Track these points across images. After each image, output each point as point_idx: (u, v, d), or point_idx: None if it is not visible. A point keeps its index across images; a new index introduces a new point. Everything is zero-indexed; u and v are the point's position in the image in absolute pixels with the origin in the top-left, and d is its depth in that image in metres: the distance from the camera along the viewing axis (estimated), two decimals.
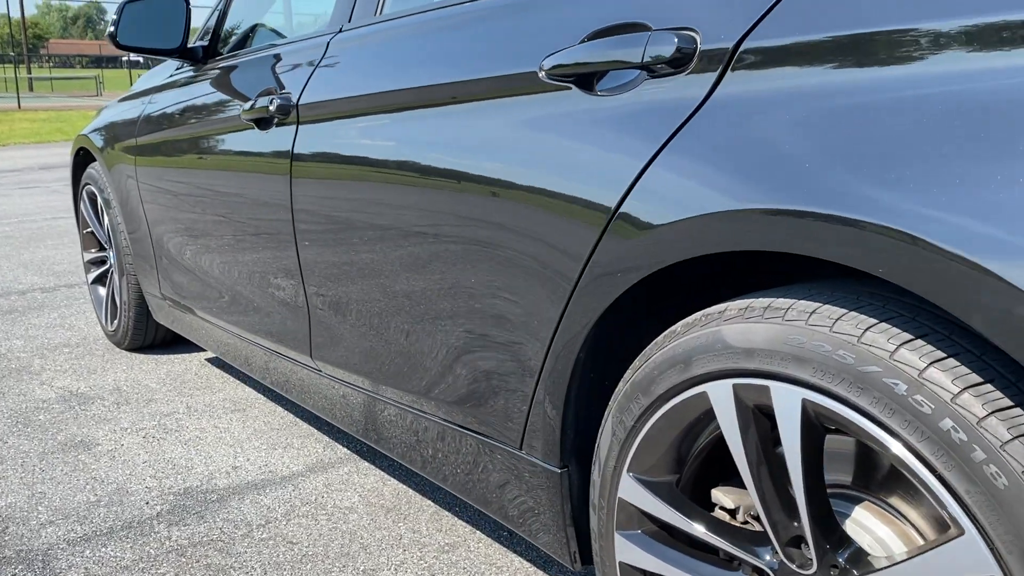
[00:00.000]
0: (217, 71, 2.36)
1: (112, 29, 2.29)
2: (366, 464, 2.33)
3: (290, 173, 1.82)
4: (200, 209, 2.33)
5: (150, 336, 3.27)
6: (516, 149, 1.28)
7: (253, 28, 2.53)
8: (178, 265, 2.58)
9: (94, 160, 3.30)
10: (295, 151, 1.81)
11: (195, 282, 2.50)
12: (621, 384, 1.17)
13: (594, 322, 1.17)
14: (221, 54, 2.47)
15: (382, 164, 1.56)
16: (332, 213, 1.71)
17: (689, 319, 1.08)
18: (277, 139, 1.88)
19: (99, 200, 3.22)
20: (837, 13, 0.94)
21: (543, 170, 1.22)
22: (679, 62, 1.06)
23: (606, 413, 1.20)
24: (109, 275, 3.37)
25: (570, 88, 1.20)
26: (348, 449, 2.42)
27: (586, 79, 1.18)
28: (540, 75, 1.24)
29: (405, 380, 1.63)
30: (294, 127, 1.82)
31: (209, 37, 2.47)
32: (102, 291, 3.50)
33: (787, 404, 0.95)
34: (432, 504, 2.10)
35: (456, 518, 2.03)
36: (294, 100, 1.83)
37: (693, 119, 1.04)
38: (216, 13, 2.47)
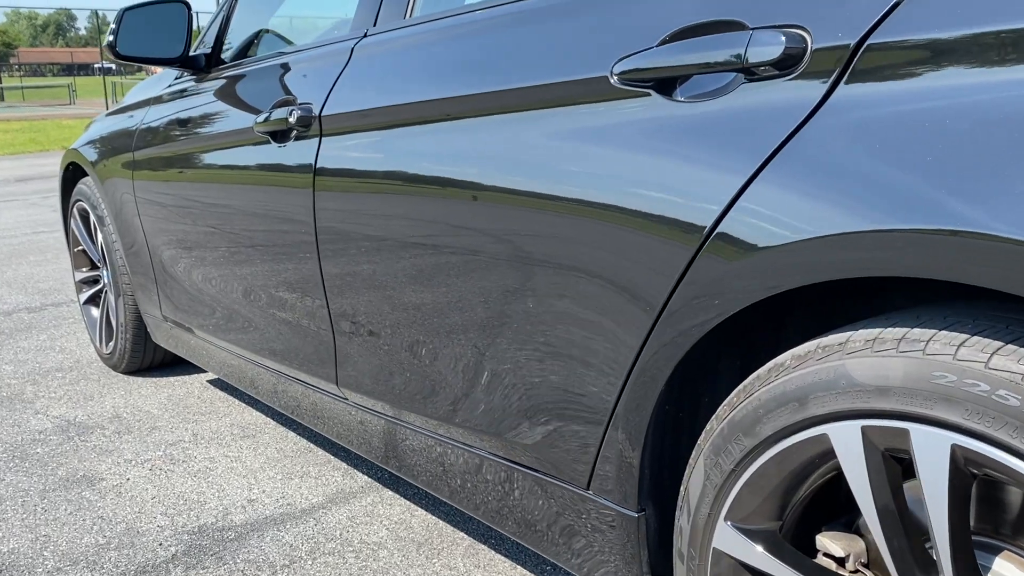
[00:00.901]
0: (223, 81, 2.23)
1: (111, 38, 2.15)
2: (390, 493, 2.20)
3: (313, 189, 1.70)
4: (206, 227, 2.20)
5: (148, 358, 3.13)
6: (581, 162, 1.16)
7: (258, 35, 2.40)
8: (181, 285, 2.45)
9: (85, 175, 3.16)
10: (318, 166, 1.68)
11: (200, 303, 2.37)
12: (714, 422, 1.05)
13: (684, 354, 1.06)
14: (224, 62, 2.34)
15: (421, 179, 1.44)
16: (363, 231, 1.59)
17: (799, 351, 0.97)
18: (297, 153, 1.76)
19: (91, 217, 3.07)
20: (981, 5, 0.83)
21: (616, 185, 1.11)
22: (785, 63, 0.95)
23: (695, 454, 1.08)
24: (103, 295, 3.22)
25: (649, 95, 1.08)
26: (368, 477, 2.29)
27: (667, 84, 1.07)
28: (612, 80, 1.12)
29: (447, 411, 1.51)
30: (316, 140, 1.70)
31: (212, 45, 2.33)
32: (95, 312, 3.35)
33: (931, 450, 0.84)
34: (466, 536, 1.98)
35: (494, 552, 1.91)
36: (315, 111, 1.70)
37: (806, 126, 0.92)
38: (219, 20, 2.34)
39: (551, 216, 1.19)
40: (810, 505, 1.04)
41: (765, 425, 0.97)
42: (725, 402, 1.05)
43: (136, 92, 3.06)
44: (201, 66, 2.33)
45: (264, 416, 2.75)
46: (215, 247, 2.17)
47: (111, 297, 3.09)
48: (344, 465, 2.37)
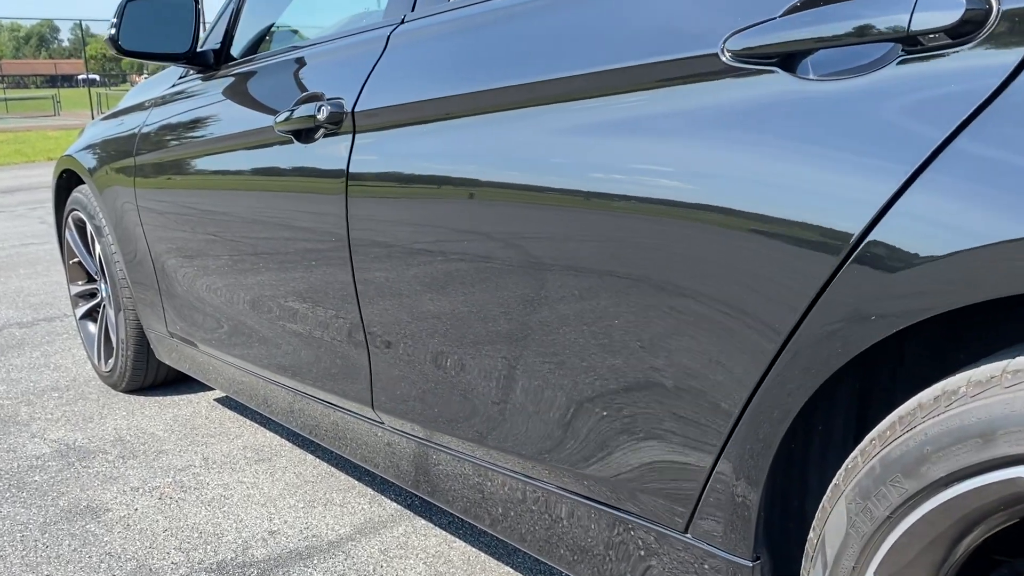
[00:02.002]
0: (234, 78, 2.06)
1: (113, 32, 1.97)
2: (423, 522, 2.03)
3: (345, 192, 1.53)
4: (218, 236, 2.03)
5: (150, 376, 2.94)
6: (683, 154, 1.00)
7: (270, 29, 2.24)
8: (190, 298, 2.27)
9: (80, 183, 2.98)
10: (352, 166, 1.52)
11: (211, 317, 2.19)
12: (859, 459, 0.89)
13: (822, 383, 0.90)
14: (234, 59, 2.17)
15: (478, 178, 1.27)
16: (406, 239, 1.42)
17: (975, 374, 0.81)
18: (326, 153, 1.59)
19: (88, 228, 2.89)
20: None
21: (731, 179, 0.95)
22: (961, 31, 0.79)
23: (831, 495, 0.92)
24: (101, 310, 3.04)
25: (773, 72, 0.92)
26: (397, 503, 2.12)
27: (796, 59, 0.91)
28: (723, 58, 0.96)
29: (505, 439, 1.35)
30: (349, 138, 1.53)
31: (220, 41, 2.16)
32: (92, 327, 3.17)
33: None
34: (511, 571, 1.81)
35: None
36: (347, 107, 1.54)
37: (988, 109, 0.77)
38: (227, 14, 2.17)
39: (646, 221, 1.03)
40: (975, 554, 0.88)
41: (935, 466, 0.81)
42: (873, 435, 0.89)
43: (134, 95, 2.88)
44: (210, 63, 2.16)
45: (278, 437, 2.57)
46: (228, 257, 2.00)
47: (110, 312, 2.91)
48: (370, 491, 2.20)
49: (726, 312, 0.97)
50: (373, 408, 1.65)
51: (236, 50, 2.18)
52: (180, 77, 2.38)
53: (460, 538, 1.95)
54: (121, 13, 1.97)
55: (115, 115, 2.84)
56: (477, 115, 1.29)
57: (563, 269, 1.14)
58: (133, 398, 2.97)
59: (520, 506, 1.36)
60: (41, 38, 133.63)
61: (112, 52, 1.98)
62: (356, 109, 1.52)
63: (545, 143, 1.16)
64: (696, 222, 0.98)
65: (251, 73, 2.01)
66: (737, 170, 0.94)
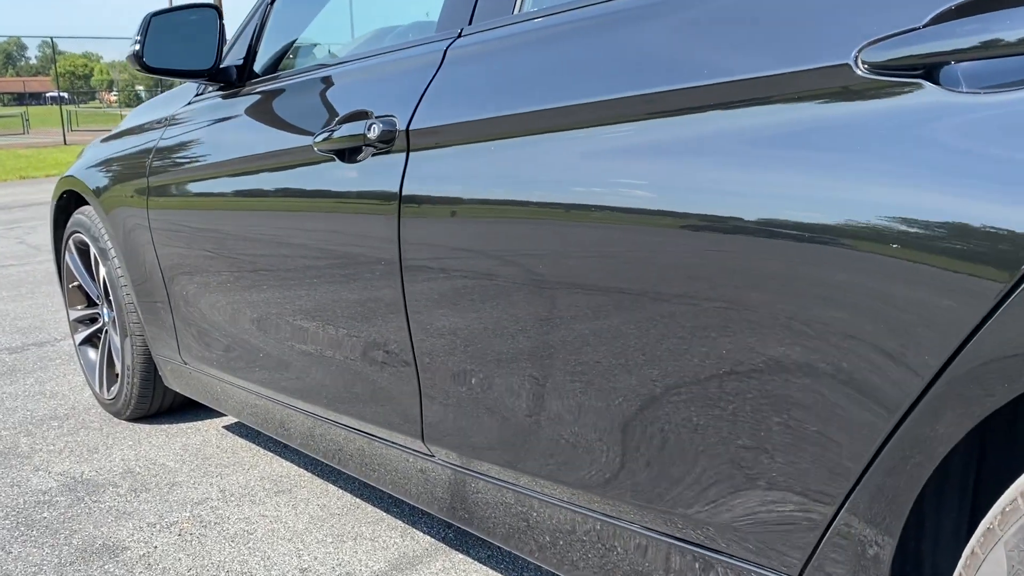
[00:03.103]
0: (262, 95, 1.98)
1: (137, 48, 1.89)
2: (460, 556, 1.95)
3: (398, 214, 1.45)
4: (245, 259, 1.94)
5: (156, 404, 2.84)
6: (809, 171, 0.94)
7: (292, 46, 2.16)
8: (208, 324, 2.18)
9: (83, 205, 2.87)
10: (405, 187, 1.44)
11: (233, 344, 2.10)
12: (1021, 501, 0.83)
13: (978, 423, 0.83)
14: (257, 75, 2.09)
15: (554, 201, 1.20)
16: (466, 265, 1.35)
17: None
18: (375, 173, 1.52)
19: (92, 250, 2.79)
20: None
21: (871, 196, 0.88)
22: None
23: (984, 540, 0.86)
24: (104, 335, 2.93)
25: (919, 84, 0.86)
26: (431, 536, 2.04)
27: (940, 71, 0.85)
28: (857, 71, 0.90)
29: (587, 479, 1.27)
30: (402, 158, 1.46)
31: (243, 57, 2.08)
32: (93, 354, 3.06)
33: None
34: None
35: None
36: (400, 125, 1.46)
37: None
38: (250, 30, 2.09)
39: (767, 245, 0.96)
40: None
41: None
42: None
43: (141, 114, 2.79)
44: (233, 80, 2.08)
45: (296, 467, 2.47)
46: (255, 281, 1.91)
47: (115, 337, 2.80)
48: (400, 523, 2.11)
49: (868, 342, 0.90)
50: (423, 440, 1.57)
51: (259, 67, 2.10)
52: (196, 95, 2.29)
53: (502, 573, 1.87)
54: (145, 29, 1.88)
55: (120, 135, 2.74)
56: (552, 132, 1.22)
57: (673, 297, 1.07)
58: (138, 427, 2.86)
59: (605, 550, 1.28)
60: (8, 56, 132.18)
61: (135, 69, 1.90)
62: (411, 127, 1.45)
63: (644, 163, 1.10)
64: (829, 244, 0.91)
65: (281, 90, 1.93)
66: (879, 187, 0.88)
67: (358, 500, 2.24)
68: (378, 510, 2.18)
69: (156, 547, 2.04)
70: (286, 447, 2.63)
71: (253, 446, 2.65)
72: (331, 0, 2.14)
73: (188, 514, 2.20)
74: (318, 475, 2.41)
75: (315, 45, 2.19)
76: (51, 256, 6.31)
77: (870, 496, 0.93)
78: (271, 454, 2.58)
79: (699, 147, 1.04)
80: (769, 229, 0.96)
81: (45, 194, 11.20)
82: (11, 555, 2.03)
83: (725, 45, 1.05)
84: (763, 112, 0.99)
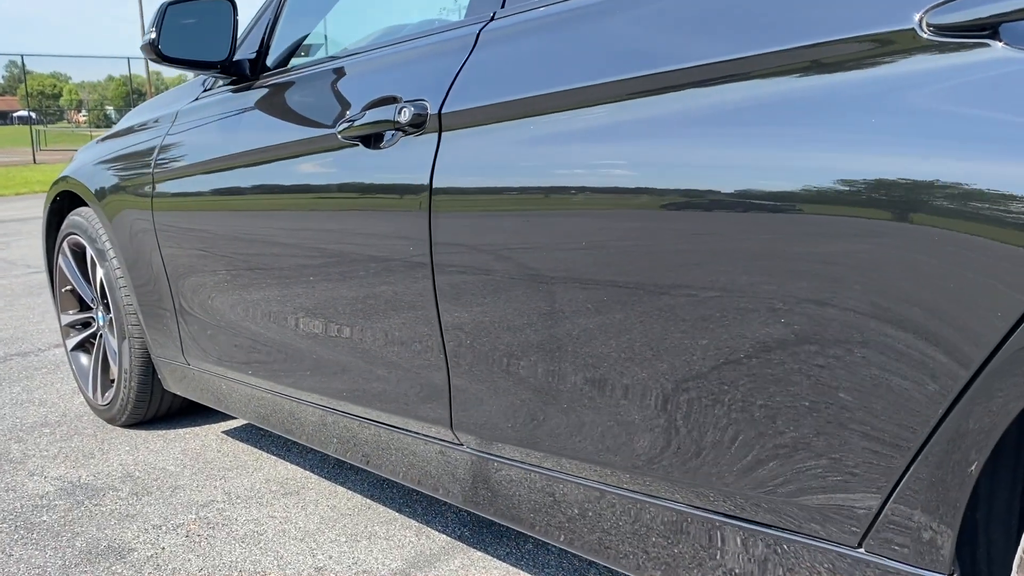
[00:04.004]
0: (277, 87, 1.96)
1: (153, 36, 1.86)
2: (479, 554, 1.92)
3: (429, 198, 1.44)
4: (259, 256, 1.91)
5: (153, 409, 2.78)
6: (880, 134, 0.94)
7: (303, 41, 2.14)
8: (217, 324, 2.14)
9: (78, 207, 2.83)
10: (438, 168, 1.43)
11: (245, 342, 2.07)
12: None
13: None
14: (269, 69, 2.07)
15: (598, 185, 1.19)
16: (508, 254, 1.33)
17: None
18: (404, 156, 1.50)
19: (88, 252, 2.74)
20: None
21: (944, 163, 0.88)
22: None
23: None
24: (98, 339, 2.87)
25: (987, 45, 0.87)
26: (446, 535, 2.01)
27: (1008, 29, 0.85)
28: (923, 34, 0.90)
29: (629, 459, 1.26)
30: (434, 140, 1.45)
31: (256, 50, 2.06)
32: (85, 359, 3.00)
33: None
34: None
35: None
36: (432, 108, 1.45)
37: None
38: (264, 24, 2.07)
39: (831, 222, 0.96)
40: None
41: None
42: None
43: (140, 113, 2.76)
44: (245, 73, 2.06)
45: (301, 470, 2.43)
46: (272, 276, 1.88)
47: (111, 341, 2.75)
48: (414, 523, 2.08)
49: (930, 316, 0.90)
50: (452, 428, 1.55)
51: (271, 61, 2.08)
52: (205, 90, 2.27)
53: (523, 569, 1.84)
54: (161, 17, 1.86)
55: (119, 135, 2.70)
56: (604, 104, 1.21)
57: (740, 281, 1.06)
58: (134, 432, 2.80)
59: (650, 533, 1.26)
60: None
61: (151, 58, 1.87)
62: (444, 110, 1.44)
63: (702, 136, 1.09)
64: (891, 217, 0.91)
65: (298, 82, 1.91)
66: (946, 155, 0.88)
67: (368, 500, 2.21)
68: (390, 510, 2.15)
69: (164, 548, 1.99)
70: (289, 450, 2.58)
71: (255, 450, 2.61)
72: None
73: (194, 516, 2.15)
74: (325, 477, 2.37)
75: (328, 41, 2.17)
76: (28, 271, 6.22)
77: (939, 459, 0.92)
78: (275, 457, 2.54)
79: (766, 117, 1.03)
80: (835, 203, 0.95)
81: (18, 211, 11.04)
82: (12, 557, 1.97)
83: (787, 12, 1.05)
84: (825, 80, 0.99)
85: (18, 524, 2.14)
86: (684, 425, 1.17)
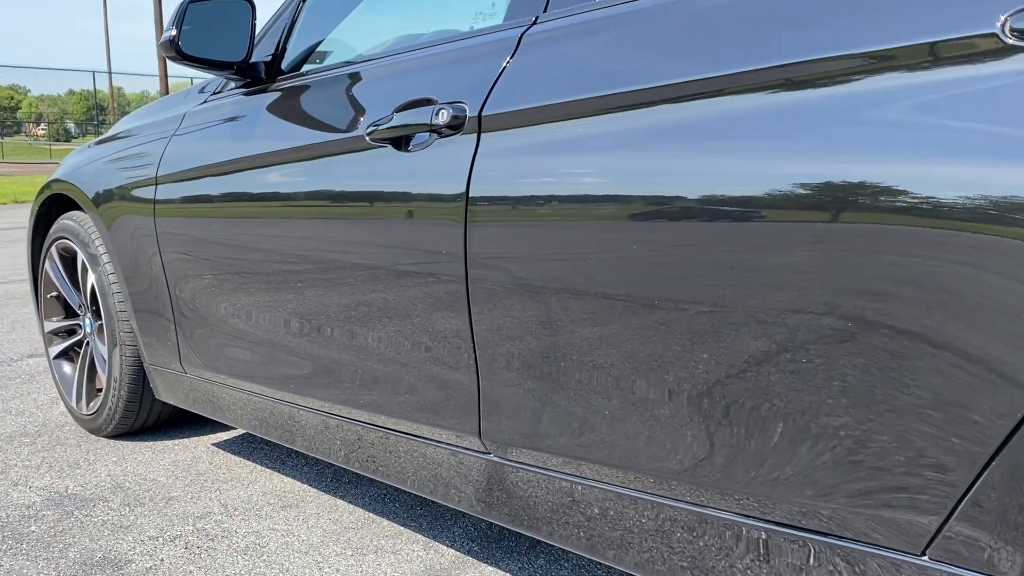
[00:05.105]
0: (297, 89, 1.93)
1: (173, 33, 1.83)
2: (490, 568, 1.88)
3: (465, 200, 1.42)
4: (272, 260, 1.87)
5: (141, 419, 2.71)
6: (961, 138, 0.94)
7: (317, 46, 2.12)
8: (221, 331, 2.09)
9: (68, 211, 2.76)
10: (475, 176, 1.41)
11: (251, 351, 2.02)
12: None
13: None
14: (284, 72, 2.04)
15: (670, 194, 1.18)
16: (556, 268, 1.30)
17: None
18: (439, 158, 1.48)
19: (80, 257, 2.67)
20: None
21: (1016, 176, 0.89)
22: None
23: None
24: (84, 347, 2.80)
25: None
26: (455, 549, 1.97)
27: None
28: (1007, 39, 0.91)
29: (676, 468, 1.24)
30: (472, 142, 1.43)
31: (272, 53, 2.04)
32: (69, 368, 2.91)
33: None
34: None
35: None
36: (471, 110, 1.44)
37: None
38: (281, 27, 2.05)
39: (905, 231, 0.96)
40: None
41: None
42: None
43: (138, 117, 2.71)
44: (261, 76, 2.03)
45: (299, 483, 2.38)
46: (282, 281, 1.85)
47: (101, 348, 2.68)
48: (420, 537, 2.03)
49: (1006, 325, 0.90)
50: (480, 437, 1.52)
51: (286, 64, 2.05)
52: (214, 92, 2.23)
53: None
54: (182, 15, 1.83)
55: (116, 138, 2.65)
56: (657, 105, 1.20)
57: (810, 294, 1.06)
58: (120, 444, 2.72)
59: (701, 545, 1.24)
60: None
61: (169, 56, 1.83)
62: (484, 112, 1.42)
63: (769, 143, 1.09)
64: (975, 222, 0.91)
65: (317, 85, 1.89)
66: None
67: (371, 514, 2.16)
68: (395, 524, 2.10)
69: (163, 560, 1.93)
70: (284, 463, 2.53)
71: (248, 462, 2.54)
72: (363, 1, 2.12)
73: (192, 528, 2.09)
74: (324, 490, 2.32)
75: (346, 46, 2.15)
76: None
77: (1002, 475, 0.92)
78: (269, 470, 2.48)
79: (838, 119, 1.03)
80: (919, 209, 0.95)
81: None
82: (3, 569, 1.89)
83: (864, 16, 1.05)
84: (902, 85, 0.99)
85: (5, 535, 2.06)
86: (745, 433, 1.15)
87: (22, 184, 18.13)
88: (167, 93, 20.29)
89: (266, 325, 1.93)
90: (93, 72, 27.49)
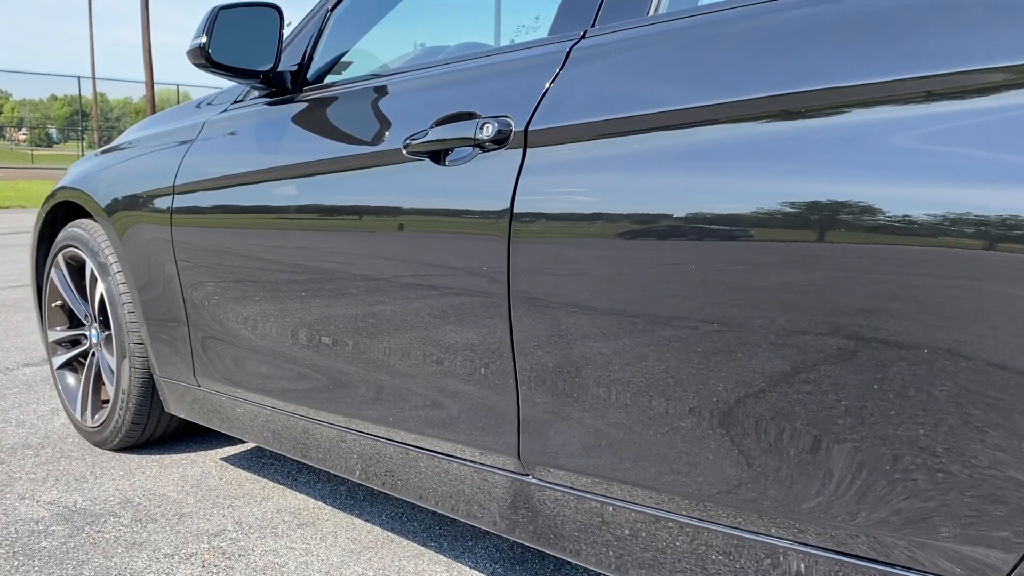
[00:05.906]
0: (326, 100, 1.90)
1: (204, 40, 1.79)
2: None
3: (510, 217, 1.39)
4: (300, 273, 1.84)
5: (148, 432, 2.66)
6: None
7: (342, 57, 2.10)
8: (240, 344, 2.05)
9: (77, 218, 2.72)
10: (520, 191, 1.38)
11: (273, 365, 1.98)
12: None
13: None
14: (309, 82, 2.01)
15: (733, 213, 1.16)
16: (606, 290, 1.28)
17: None
18: (482, 172, 1.46)
19: (89, 266, 2.62)
20: None
21: None
22: None
23: None
24: (91, 358, 2.75)
25: None
26: (477, 570, 1.93)
27: None
28: None
29: (740, 494, 1.22)
30: (517, 156, 1.41)
31: (297, 63, 2.01)
32: (73, 379, 2.86)
33: None
34: None
35: None
36: (517, 125, 1.41)
37: None
38: (307, 37, 2.02)
39: (977, 238, 0.94)
40: None
41: None
42: None
43: (149, 126, 2.67)
44: (287, 86, 2.00)
45: (313, 500, 2.33)
46: (307, 294, 1.81)
47: (109, 359, 2.63)
48: (442, 557, 2.00)
49: None
50: (519, 458, 1.49)
51: (312, 74, 2.03)
52: (235, 101, 2.20)
53: None
54: (212, 21, 1.80)
55: (123, 148, 2.61)
56: (714, 124, 1.18)
57: (873, 307, 1.04)
58: (126, 457, 2.67)
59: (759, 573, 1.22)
60: None
61: (198, 63, 1.80)
62: (531, 127, 1.40)
63: (841, 162, 1.07)
64: None
65: (347, 96, 1.86)
66: None
67: (390, 533, 2.12)
68: (415, 544, 2.07)
69: None
70: (296, 480, 2.48)
71: (259, 478, 2.50)
72: (393, 10, 2.09)
73: (207, 545, 2.04)
74: (339, 507, 2.28)
75: (371, 56, 2.13)
76: None
77: None
78: (282, 486, 2.44)
79: (906, 143, 1.02)
80: (993, 224, 0.94)
81: None
82: None
83: (928, 34, 1.04)
84: (987, 105, 0.97)
85: (16, 550, 2.01)
86: (817, 462, 1.13)
87: (3, 189, 17.95)
88: (152, 100, 20.16)
89: (291, 339, 1.89)
90: (79, 78, 27.30)
